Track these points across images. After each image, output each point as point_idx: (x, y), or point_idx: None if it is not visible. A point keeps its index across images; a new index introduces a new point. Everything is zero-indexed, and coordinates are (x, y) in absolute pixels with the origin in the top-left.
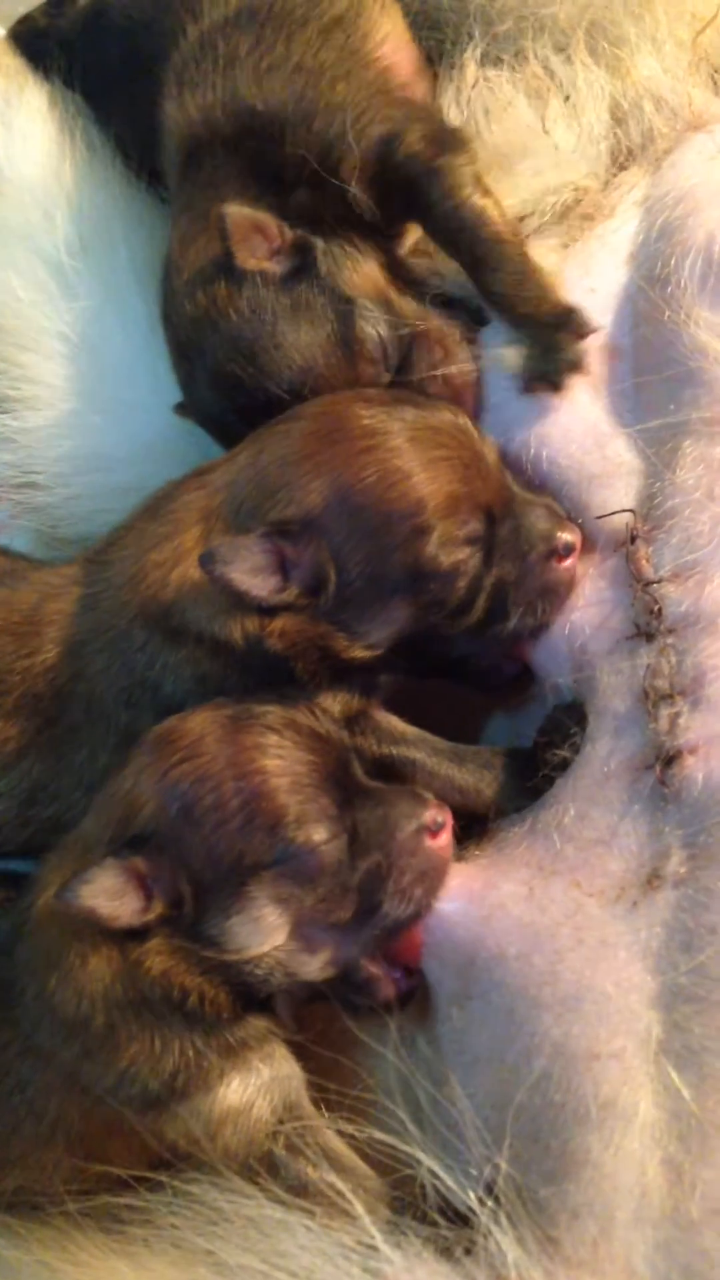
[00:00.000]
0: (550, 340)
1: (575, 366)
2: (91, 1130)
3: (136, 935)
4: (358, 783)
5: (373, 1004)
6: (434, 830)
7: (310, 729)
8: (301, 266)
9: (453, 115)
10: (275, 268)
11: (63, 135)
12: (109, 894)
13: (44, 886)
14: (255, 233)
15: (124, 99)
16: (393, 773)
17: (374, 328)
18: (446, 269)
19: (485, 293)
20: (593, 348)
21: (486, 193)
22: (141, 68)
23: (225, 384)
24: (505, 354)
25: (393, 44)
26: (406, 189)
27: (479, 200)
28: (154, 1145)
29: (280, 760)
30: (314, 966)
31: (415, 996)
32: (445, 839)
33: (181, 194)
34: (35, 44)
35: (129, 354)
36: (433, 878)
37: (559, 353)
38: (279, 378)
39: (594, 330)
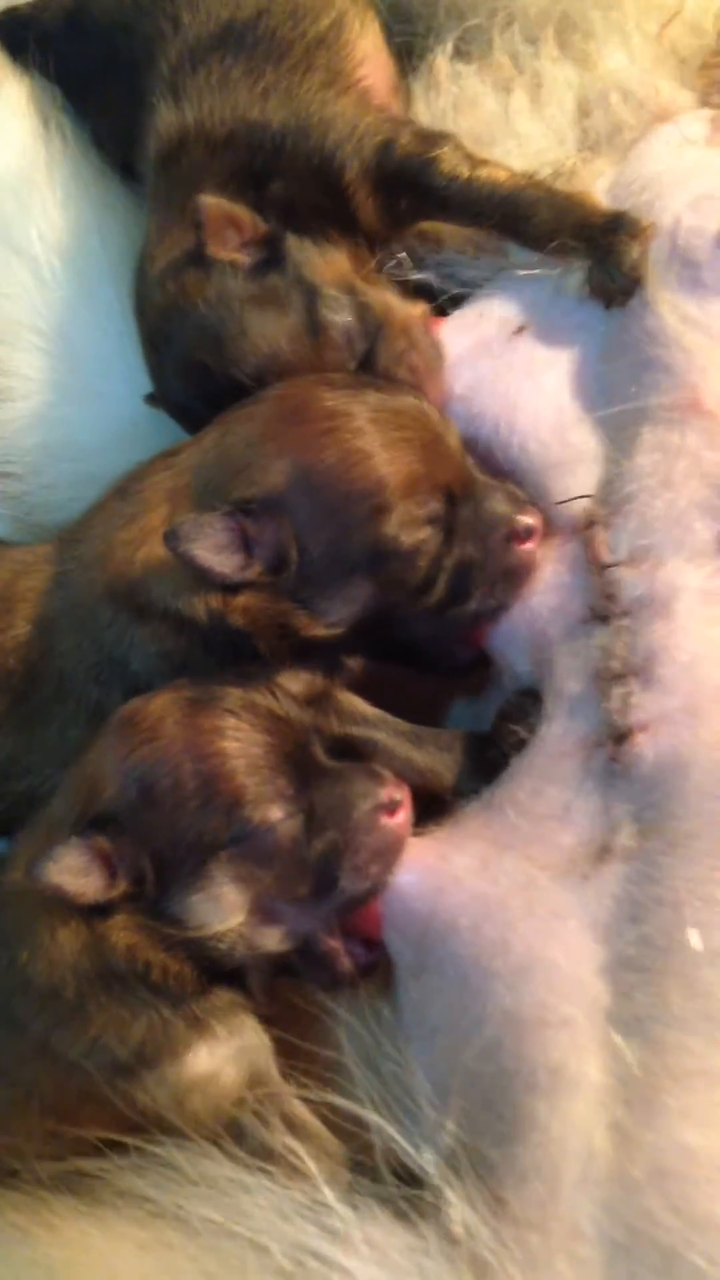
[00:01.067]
0: (610, 246)
1: (640, 272)
2: (64, 1098)
3: (102, 911)
4: (316, 762)
5: (333, 977)
6: (390, 808)
7: (269, 710)
8: (271, 258)
9: (423, 111)
10: (245, 258)
11: (40, 127)
12: (74, 872)
13: (16, 862)
14: (228, 224)
15: (102, 97)
16: (354, 753)
17: (339, 315)
18: (423, 252)
19: (532, 241)
20: (565, 332)
21: (484, 162)
22: (121, 69)
23: (192, 372)
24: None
25: (371, 64)
26: (413, 187)
27: (480, 170)
28: (125, 1111)
29: (238, 743)
30: (274, 940)
31: (376, 969)
32: (402, 816)
33: (159, 190)
34: (16, 34)
35: (103, 346)
36: (388, 855)
37: (621, 259)
38: (244, 365)
39: (649, 227)
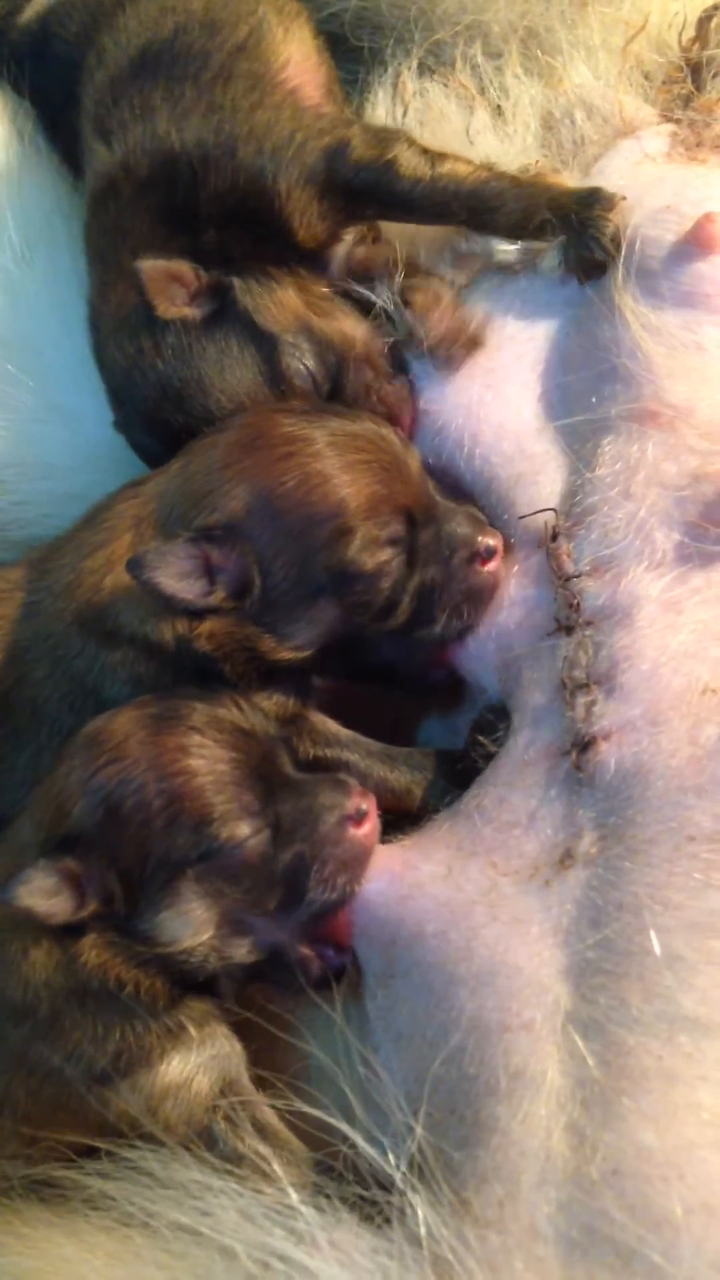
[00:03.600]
0: (588, 219)
1: (617, 242)
2: (38, 1107)
3: (73, 930)
4: (283, 775)
5: (304, 983)
6: (357, 819)
7: (233, 725)
8: (221, 308)
9: (388, 124)
10: (195, 312)
11: (14, 140)
12: (44, 893)
13: None
14: (172, 281)
15: (66, 125)
16: (320, 771)
17: (300, 361)
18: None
19: (504, 230)
20: (524, 344)
21: (442, 158)
22: (72, 105)
23: (158, 428)
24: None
25: (296, 67)
26: (374, 193)
27: (441, 167)
28: (99, 1119)
29: (202, 760)
30: (244, 950)
31: (346, 973)
32: (369, 827)
33: (91, 236)
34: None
35: (73, 361)
36: (355, 865)
37: (601, 231)
38: (209, 420)
39: (620, 199)
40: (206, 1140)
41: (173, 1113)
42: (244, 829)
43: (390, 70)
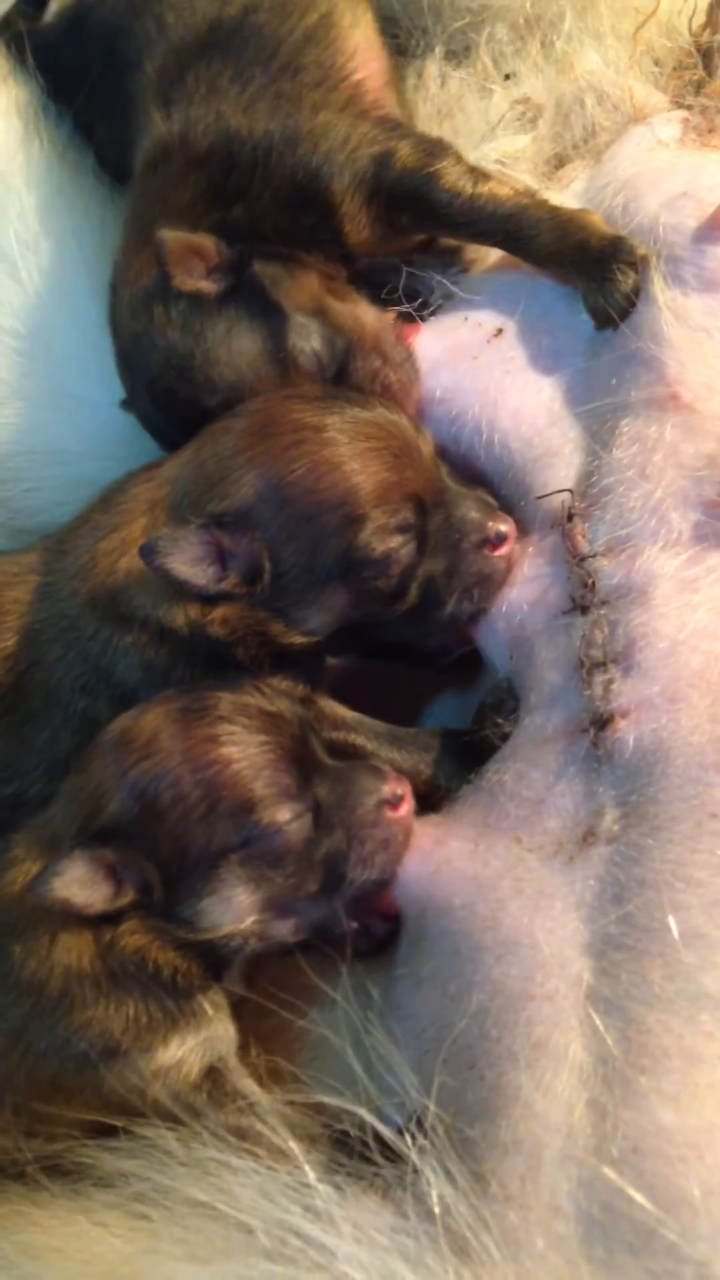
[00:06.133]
0: (606, 274)
1: (633, 300)
2: (36, 1088)
3: (110, 919)
4: (316, 759)
5: (354, 953)
6: (394, 802)
7: (260, 710)
8: (238, 284)
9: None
10: (212, 286)
11: (21, 132)
12: (81, 883)
13: (12, 865)
14: (191, 254)
15: (99, 102)
16: (339, 756)
17: (307, 342)
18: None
19: (535, 259)
20: (543, 332)
21: (485, 177)
22: (116, 72)
23: (161, 397)
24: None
25: (363, 56)
26: (413, 201)
27: (482, 186)
28: (95, 1101)
29: (234, 747)
30: (286, 932)
31: (395, 940)
32: (405, 809)
33: (134, 198)
34: (14, 44)
35: (82, 349)
36: (395, 847)
37: (617, 287)
38: (212, 392)
39: (645, 255)
40: (190, 1116)
41: (162, 1092)
42: (285, 812)
43: (412, 64)
